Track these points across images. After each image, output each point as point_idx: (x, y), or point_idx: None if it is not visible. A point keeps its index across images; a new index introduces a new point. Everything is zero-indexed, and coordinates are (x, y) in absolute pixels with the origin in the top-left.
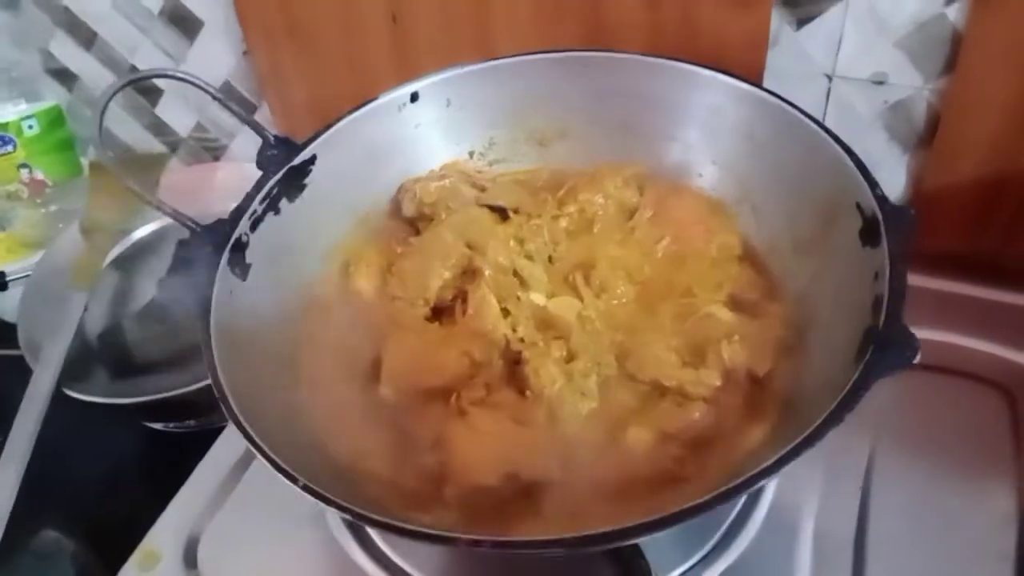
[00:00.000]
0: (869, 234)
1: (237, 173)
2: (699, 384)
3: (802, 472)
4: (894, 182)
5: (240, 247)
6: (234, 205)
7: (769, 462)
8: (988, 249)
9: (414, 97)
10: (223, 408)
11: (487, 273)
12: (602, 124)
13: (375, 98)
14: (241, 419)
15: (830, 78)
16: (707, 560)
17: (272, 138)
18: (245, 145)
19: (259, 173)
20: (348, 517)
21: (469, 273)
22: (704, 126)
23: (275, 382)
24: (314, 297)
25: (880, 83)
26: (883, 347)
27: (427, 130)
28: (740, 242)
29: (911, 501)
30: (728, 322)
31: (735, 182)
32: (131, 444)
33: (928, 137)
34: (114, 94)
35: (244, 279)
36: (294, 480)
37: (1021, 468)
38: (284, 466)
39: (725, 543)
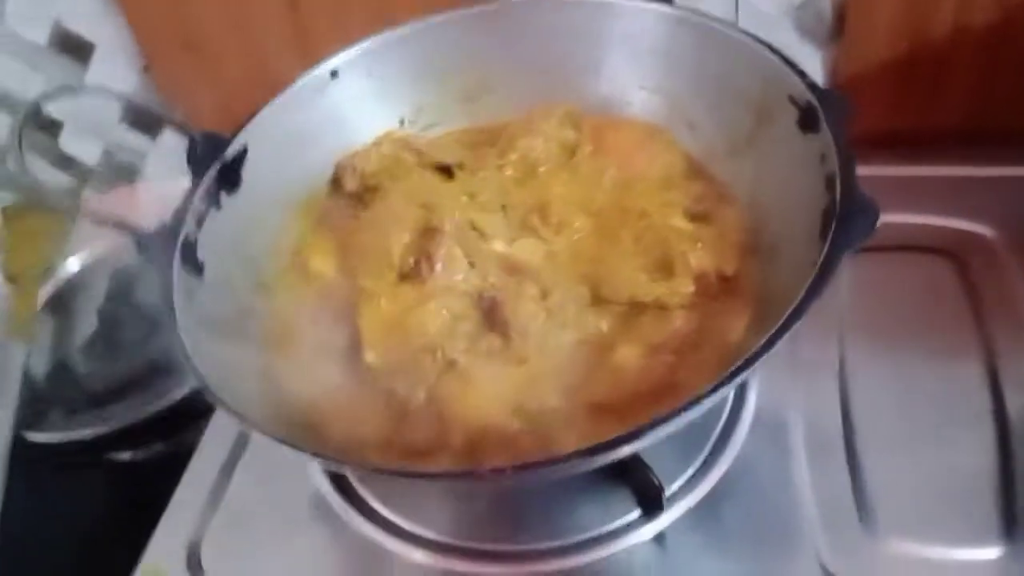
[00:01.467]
0: (807, 122)
1: (156, 193)
2: (674, 293)
3: (780, 370)
4: (812, 76)
5: (190, 246)
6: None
7: (755, 347)
8: (907, 127)
9: (334, 74)
10: (210, 398)
11: (447, 227)
12: (524, 71)
13: (293, 82)
14: (232, 406)
15: None
16: (707, 465)
17: (199, 136)
18: (159, 163)
19: (179, 188)
20: (365, 471)
21: (428, 233)
22: (624, 54)
23: (253, 370)
24: (273, 286)
25: None
26: (845, 219)
27: (353, 105)
28: (682, 158)
29: (887, 379)
30: (687, 231)
31: (665, 103)
32: (102, 478)
33: (838, 29)
34: (26, 122)
35: (200, 277)
36: (300, 449)
37: (981, 328)
38: (287, 439)
39: (720, 448)
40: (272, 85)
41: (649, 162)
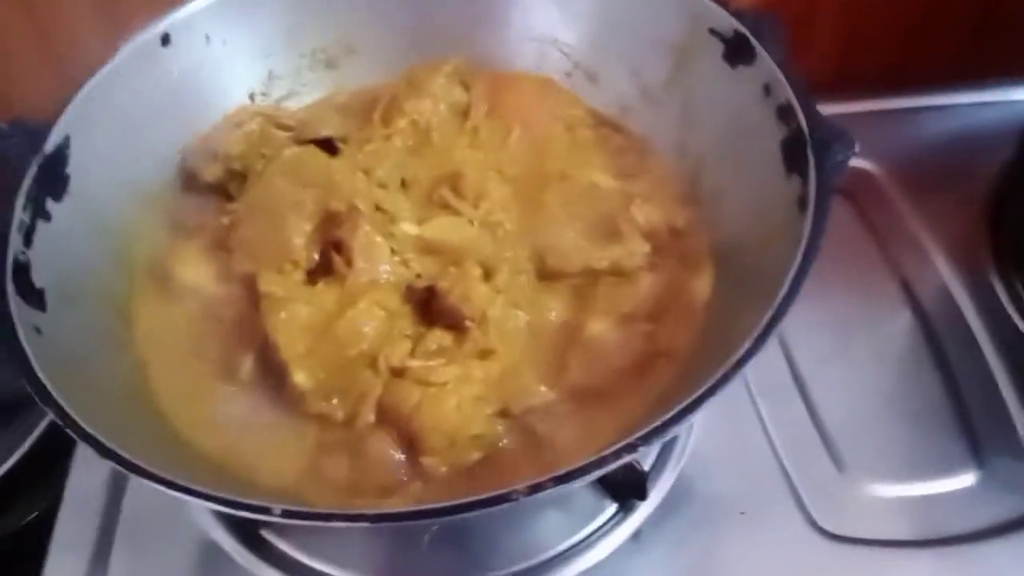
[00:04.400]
0: (737, 53)
1: None
2: (632, 255)
3: None
4: None
5: (22, 270)
6: None
7: (766, 318)
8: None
9: (165, 40)
10: (101, 453)
11: (363, 210)
12: (392, 27)
13: (117, 52)
14: (130, 458)
15: None
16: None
17: (5, 126)
18: None
19: None
20: (318, 521)
21: (333, 219)
22: (510, 3)
23: (136, 421)
24: (135, 309)
25: None
26: (824, 147)
27: (192, 77)
28: (587, 111)
29: (819, 322)
30: (616, 189)
31: (558, 54)
32: None
33: None
34: None
35: (44, 309)
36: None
37: (887, 253)
38: (215, 494)
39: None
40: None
41: (552, 118)
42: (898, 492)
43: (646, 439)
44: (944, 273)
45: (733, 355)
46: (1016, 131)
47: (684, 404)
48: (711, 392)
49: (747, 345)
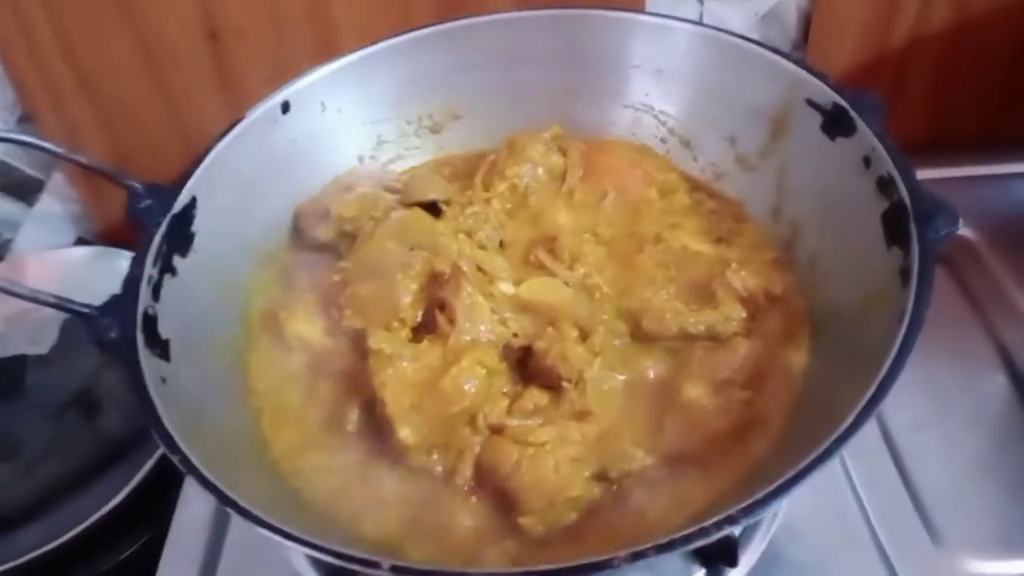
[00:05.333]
0: (836, 125)
1: (36, 267)
2: (728, 321)
3: None
4: None
5: (151, 322)
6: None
7: (871, 388)
8: None
9: (285, 107)
10: (222, 500)
11: (466, 271)
12: (493, 95)
13: (242, 118)
14: (248, 507)
15: (701, 1)
16: None
17: (140, 187)
18: (33, 234)
19: (61, 262)
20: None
21: (438, 279)
22: (607, 72)
23: (249, 468)
24: (250, 361)
25: None
26: (926, 220)
27: (307, 142)
28: (682, 177)
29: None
30: (712, 254)
31: (653, 121)
32: None
33: (801, 39)
34: None
35: (168, 359)
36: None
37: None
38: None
39: None
40: (189, 127)
41: (647, 183)
42: (996, 569)
43: (748, 512)
44: None
45: (834, 430)
46: None
47: (786, 478)
48: (813, 467)
49: (849, 420)
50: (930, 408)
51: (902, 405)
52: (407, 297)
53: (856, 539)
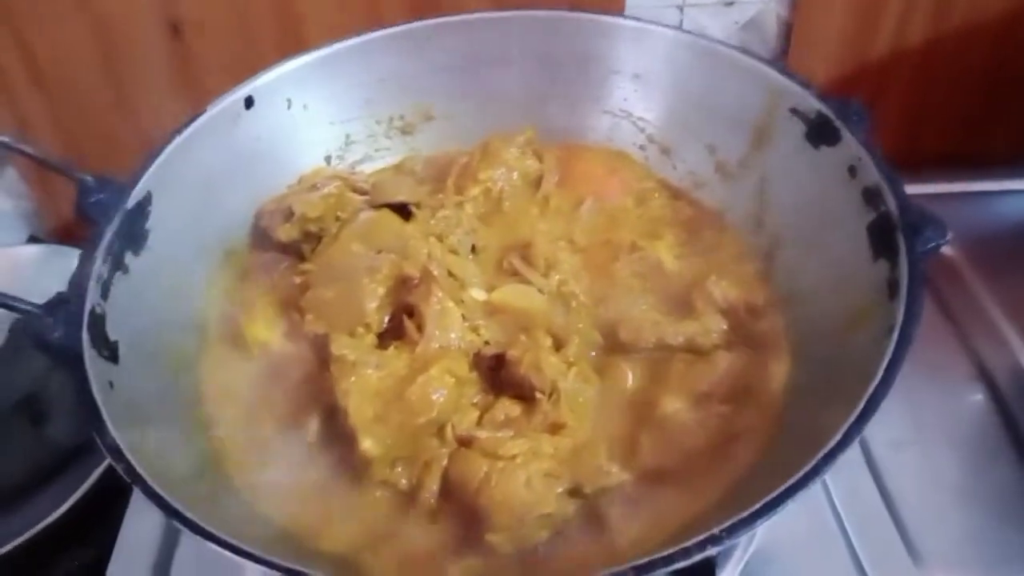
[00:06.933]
0: (820, 134)
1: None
2: (708, 333)
3: None
4: None
5: (98, 322)
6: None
7: (860, 404)
8: None
9: (248, 102)
10: (168, 513)
11: (436, 275)
12: (467, 97)
13: (203, 112)
14: (197, 520)
15: (681, 8)
16: None
17: (91, 180)
18: None
19: (11, 260)
20: None
21: (406, 284)
22: (585, 76)
23: (201, 480)
24: (205, 365)
25: (729, 3)
26: (914, 232)
27: (271, 140)
28: (660, 185)
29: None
30: (691, 264)
31: (632, 127)
32: None
33: (781, 50)
34: None
35: (116, 362)
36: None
37: (962, 336)
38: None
39: None
40: (147, 124)
41: (624, 190)
42: None
43: (732, 532)
44: (1021, 356)
45: (820, 447)
46: None
47: (772, 496)
48: (800, 485)
49: (838, 436)
50: (910, 426)
51: (881, 423)
52: (373, 302)
53: (835, 558)
